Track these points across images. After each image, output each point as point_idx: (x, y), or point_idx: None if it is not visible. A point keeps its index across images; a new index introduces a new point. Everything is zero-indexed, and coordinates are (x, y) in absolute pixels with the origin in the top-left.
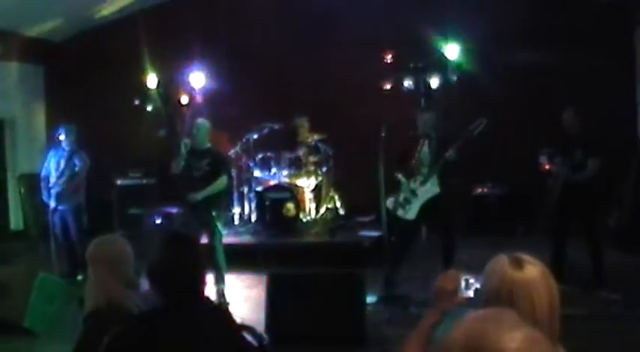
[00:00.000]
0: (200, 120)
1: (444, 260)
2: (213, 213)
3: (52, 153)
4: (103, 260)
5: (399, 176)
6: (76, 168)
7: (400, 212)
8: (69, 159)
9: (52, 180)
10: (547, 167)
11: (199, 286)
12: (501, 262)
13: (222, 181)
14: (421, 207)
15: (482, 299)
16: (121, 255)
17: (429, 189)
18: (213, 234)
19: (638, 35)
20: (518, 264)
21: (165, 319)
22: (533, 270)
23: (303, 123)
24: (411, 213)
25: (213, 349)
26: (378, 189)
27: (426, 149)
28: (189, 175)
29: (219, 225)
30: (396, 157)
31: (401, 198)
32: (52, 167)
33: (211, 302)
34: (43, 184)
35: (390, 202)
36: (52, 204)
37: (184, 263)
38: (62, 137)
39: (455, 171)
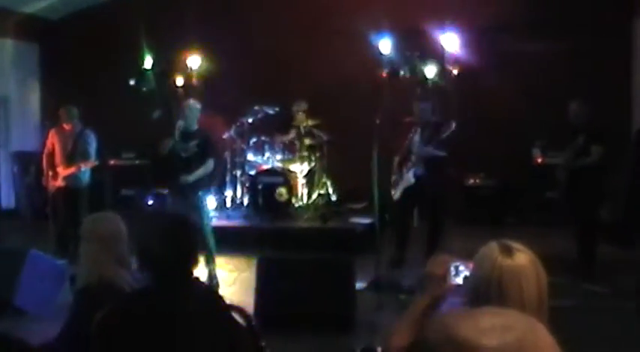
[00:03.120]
0: (191, 101)
1: (427, 245)
2: (200, 193)
3: (53, 131)
4: (96, 237)
5: (395, 159)
6: (90, 149)
7: (392, 192)
8: (78, 138)
9: (60, 159)
10: (540, 160)
11: (191, 267)
12: (491, 249)
13: (209, 165)
14: (405, 192)
15: (472, 285)
16: (115, 232)
17: (408, 178)
18: (201, 214)
19: (636, 25)
20: (508, 251)
21: (155, 298)
22: (523, 258)
23: (302, 108)
24: (396, 195)
25: (203, 329)
26: (371, 176)
27: (417, 137)
28: (176, 156)
29: (206, 205)
30: (397, 143)
31: (393, 179)
32: (58, 146)
33: (201, 282)
34: (45, 162)
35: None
36: (60, 183)
37: (179, 244)
38: (65, 117)
39: (438, 164)
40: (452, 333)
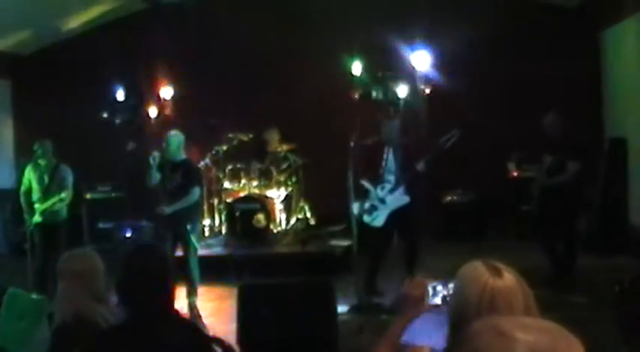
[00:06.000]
0: (172, 132)
1: (407, 264)
2: (188, 227)
3: (29, 168)
4: (73, 273)
5: (365, 183)
6: (66, 182)
7: (367, 218)
8: (53, 174)
9: (37, 195)
10: (515, 173)
11: (167, 299)
12: (480, 270)
13: (193, 194)
14: (389, 215)
15: (459, 306)
16: (92, 268)
17: (398, 198)
18: (188, 247)
19: (604, 39)
20: (497, 272)
21: (131, 333)
22: (511, 278)
23: (273, 136)
24: (378, 220)
25: None
26: (348, 199)
27: (391, 157)
28: (162, 188)
29: (194, 238)
30: (362, 164)
31: (367, 205)
32: (35, 182)
33: (179, 315)
34: (23, 200)
35: (355, 207)
36: (38, 219)
37: (150, 275)
38: (40, 153)
39: (424, 180)
40: (497, 326)
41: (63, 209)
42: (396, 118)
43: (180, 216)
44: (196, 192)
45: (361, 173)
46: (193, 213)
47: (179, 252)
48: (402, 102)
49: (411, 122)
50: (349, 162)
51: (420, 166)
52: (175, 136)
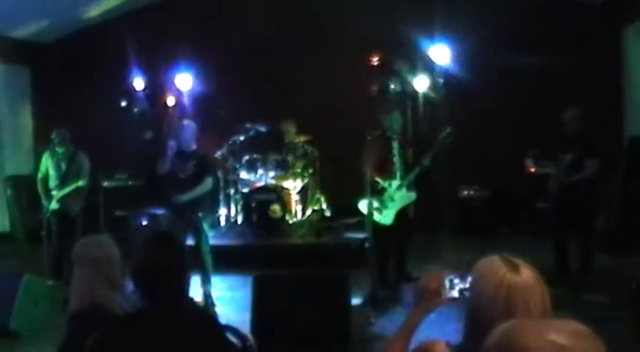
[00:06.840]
0: (185, 122)
1: (397, 259)
2: (200, 215)
3: (46, 155)
4: (88, 260)
5: (379, 180)
6: (83, 170)
7: (377, 217)
8: (70, 161)
9: (54, 182)
10: (532, 169)
11: (182, 287)
12: (497, 265)
13: (207, 183)
14: (397, 213)
15: (475, 300)
16: (107, 256)
17: (406, 195)
18: (200, 235)
19: (626, 36)
20: (515, 268)
21: (147, 321)
22: (529, 274)
23: (289, 128)
24: (387, 218)
25: (196, 350)
26: (364, 192)
27: (396, 151)
28: (174, 177)
29: (206, 226)
30: (374, 160)
31: (377, 202)
32: (52, 169)
33: (194, 303)
34: (40, 187)
35: (363, 205)
36: (55, 206)
37: (166, 263)
38: (58, 141)
39: (431, 176)
40: (552, 339)
41: (78, 194)
42: (395, 110)
43: (193, 205)
44: (210, 181)
45: (373, 170)
46: (206, 202)
47: (190, 241)
48: (420, 95)
49: (428, 116)
50: (364, 157)
51: (426, 161)
52: (190, 126)
